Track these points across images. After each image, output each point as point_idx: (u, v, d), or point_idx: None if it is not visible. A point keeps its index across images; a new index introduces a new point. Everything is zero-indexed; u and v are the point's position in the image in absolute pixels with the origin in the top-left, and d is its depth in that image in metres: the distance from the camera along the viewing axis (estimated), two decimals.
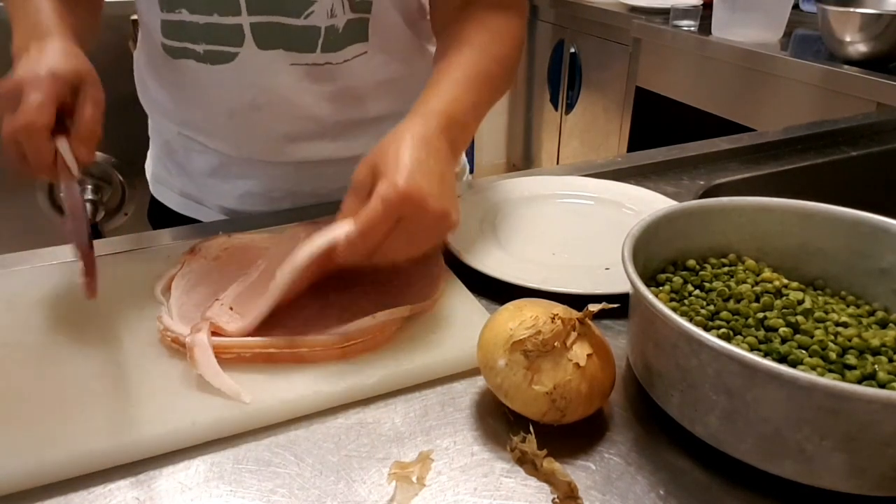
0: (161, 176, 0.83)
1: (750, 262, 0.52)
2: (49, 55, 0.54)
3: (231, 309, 0.50)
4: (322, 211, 0.67)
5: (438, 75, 0.60)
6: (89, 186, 1.66)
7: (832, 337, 0.43)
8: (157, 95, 0.77)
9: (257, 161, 0.75)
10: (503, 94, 0.67)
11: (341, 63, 0.69)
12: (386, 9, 0.69)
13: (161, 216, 0.83)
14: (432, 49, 0.77)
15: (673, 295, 0.49)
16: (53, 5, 0.60)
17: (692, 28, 1.84)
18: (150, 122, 0.84)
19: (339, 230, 0.48)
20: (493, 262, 0.59)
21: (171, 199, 0.82)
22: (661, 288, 0.50)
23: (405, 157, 0.49)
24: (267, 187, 0.77)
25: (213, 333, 0.47)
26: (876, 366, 0.41)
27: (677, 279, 0.50)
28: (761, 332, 0.44)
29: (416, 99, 0.61)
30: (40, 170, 0.52)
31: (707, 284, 0.49)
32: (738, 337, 0.44)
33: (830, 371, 0.41)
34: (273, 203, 0.77)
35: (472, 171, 3.13)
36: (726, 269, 0.51)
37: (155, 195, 0.84)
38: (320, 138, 0.74)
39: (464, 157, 0.90)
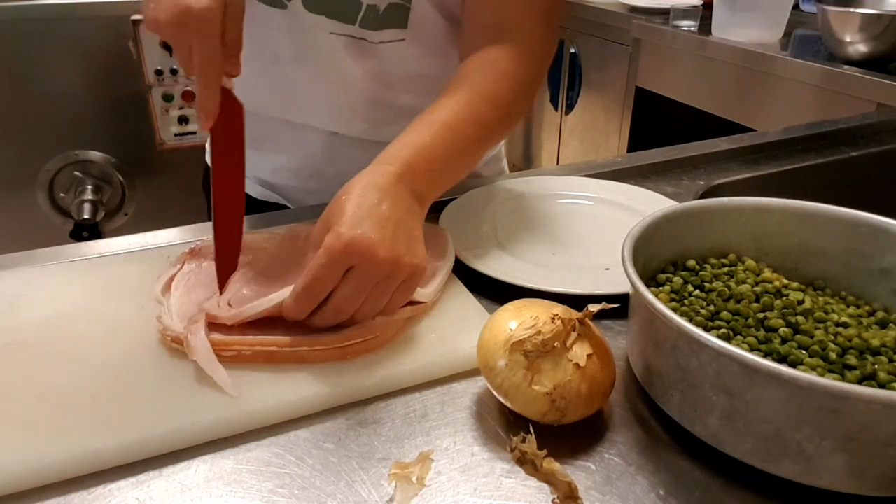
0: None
1: (750, 263, 0.52)
2: None
3: (229, 305, 0.50)
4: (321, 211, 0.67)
5: (417, 120, 0.59)
6: (89, 186, 1.66)
7: (832, 337, 0.43)
8: None
9: (292, 125, 0.78)
10: (498, 136, 0.65)
11: (377, 43, 0.72)
12: (424, 3, 0.71)
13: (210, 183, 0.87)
14: None
15: (673, 295, 0.49)
16: None
17: (692, 28, 1.84)
18: None
19: (287, 289, 0.48)
20: (493, 262, 0.59)
21: None
22: (661, 288, 0.50)
23: (353, 205, 0.48)
24: (298, 163, 0.81)
25: (210, 326, 0.48)
26: (876, 366, 0.41)
27: (677, 279, 0.50)
28: (761, 333, 0.44)
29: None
30: (206, 69, 0.52)
31: (707, 285, 0.49)
32: (738, 337, 0.44)
33: (830, 371, 0.41)
34: (301, 180, 0.82)
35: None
36: (726, 269, 0.51)
37: (208, 163, 0.88)
38: (352, 111, 0.77)
39: (500, 147, 0.91)
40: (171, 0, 0.50)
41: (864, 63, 1.39)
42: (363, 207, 0.48)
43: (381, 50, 0.72)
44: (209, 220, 0.58)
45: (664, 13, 1.97)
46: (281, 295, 0.49)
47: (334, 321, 0.48)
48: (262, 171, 0.84)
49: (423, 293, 0.53)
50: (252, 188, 0.85)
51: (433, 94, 0.76)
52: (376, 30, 0.71)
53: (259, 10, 0.71)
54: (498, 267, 0.58)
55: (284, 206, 0.84)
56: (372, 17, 0.70)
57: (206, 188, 0.92)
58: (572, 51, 2.41)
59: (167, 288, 0.55)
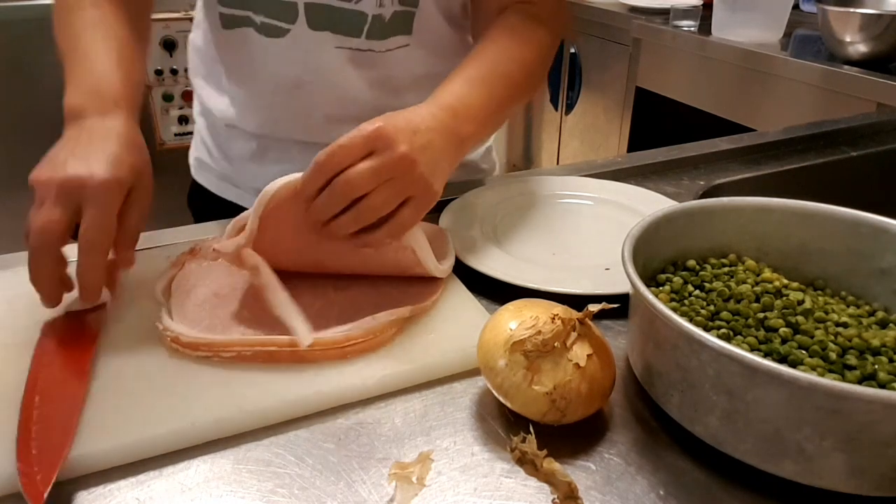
0: (203, 160, 0.87)
1: (750, 263, 0.52)
2: (110, 146, 0.50)
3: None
4: None
5: (455, 72, 0.61)
6: None
7: (832, 337, 0.43)
8: (216, 75, 0.80)
9: (294, 142, 0.78)
10: (527, 96, 0.68)
11: (384, 52, 0.72)
12: (430, 6, 0.71)
13: (201, 198, 0.87)
14: None
15: (673, 295, 0.49)
16: (114, 53, 0.57)
17: (692, 28, 1.84)
18: (196, 111, 0.88)
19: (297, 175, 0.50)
20: (493, 263, 0.59)
21: (210, 182, 0.86)
22: (661, 288, 0.50)
23: (401, 113, 0.52)
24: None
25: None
26: (876, 366, 0.41)
27: (677, 279, 0.50)
28: (761, 333, 0.44)
29: None
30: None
31: (707, 285, 0.49)
32: (739, 337, 0.44)
33: (830, 371, 0.41)
34: None
35: None
36: (726, 269, 0.51)
37: (196, 178, 0.88)
38: (356, 122, 0.76)
39: (494, 157, 0.92)
40: (68, 167, 0.48)
41: (864, 63, 1.39)
42: (405, 117, 0.52)
43: (387, 58, 0.72)
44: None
45: (664, 13, 1.97)
46: (291, 176, 0.50)
47: (348, 226, 0.49)
48: (261, 183, 0.81)
49: (439, 269, 0.54)
50: (248, 201, 0.82)
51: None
52: (382, 39, 0.71)
53: (255, 40, 0.71)
54: (498, 267, 0.58)
55: None
56: (378, 26, 0.70)
57: (191, 205, 0.91)
58: (572, 51, 2.41)
59: (167, 288, 0.55)
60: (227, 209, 0.84)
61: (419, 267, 0.53)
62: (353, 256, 0.53)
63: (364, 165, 0.48)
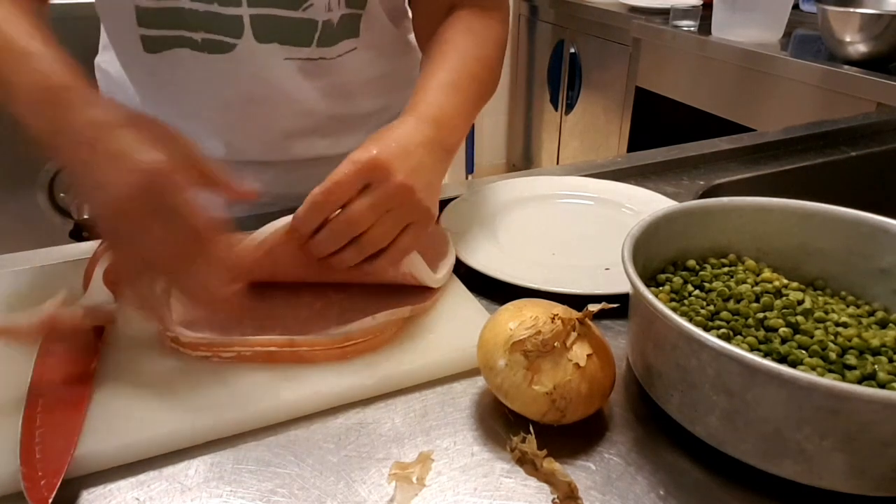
0: None
1: (750, 263, 0.52)
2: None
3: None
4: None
5: (426, 79, 0.60)
6: None
7: (832, 337, 0.43)
8: (136, 101, 0.74)
9: (248, 163, 0.74)
10: (490, 94, 0.67)
11: (334, 58, 0.70)
12: (376, 6, 0.70)
13: None
14: (415, 46, 0.79)
15: (673, 295, 0.49)
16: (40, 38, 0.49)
17: (692, 28, 1.84)
18: None
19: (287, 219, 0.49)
20: (494, 263, 0.59)
21: None
22: (661, 288, 0.50)
23: (388, 135, 0.51)
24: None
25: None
26: (876, 366, 0.41)
27: (677, 279, 0.50)
28: (761, 333, 0.44)
29: (402, 95, 0.64)
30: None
31: (707, 284, 0.49)
32: (738, 337, 0.44)
33: (830, 371, 0.41)
34: (262, 209, 0.75)
35: (472, 171, 3.13)
36: (726, 269, 0.51)
37: None
38: (312, 134, 0.74)
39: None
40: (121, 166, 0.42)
41: (864, 63, 1.39)
42: (395, 139, 0.51)
43: (338, 64, 0.70)
44: None
45: (664, 13, 1.97)
46: (286, 220, 0.48)
47: (351, 260, 0.49)
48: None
49: (435, 279, 0.54)
50: None
51: (387, 92, 0.77)
52: (332, 45, 0.69)
53: (193, 60, 0.67)
54: (498, 267, 0.58)
55: None
56: (328, 32, 0.68)
57: None
58: (572, 51, 2.41)
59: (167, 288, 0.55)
60: None
61: (415, 281, 0.53)
62: (351, 276, 0.53)
63: (363, 202, 0.47)
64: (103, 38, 0.77)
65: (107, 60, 0.77)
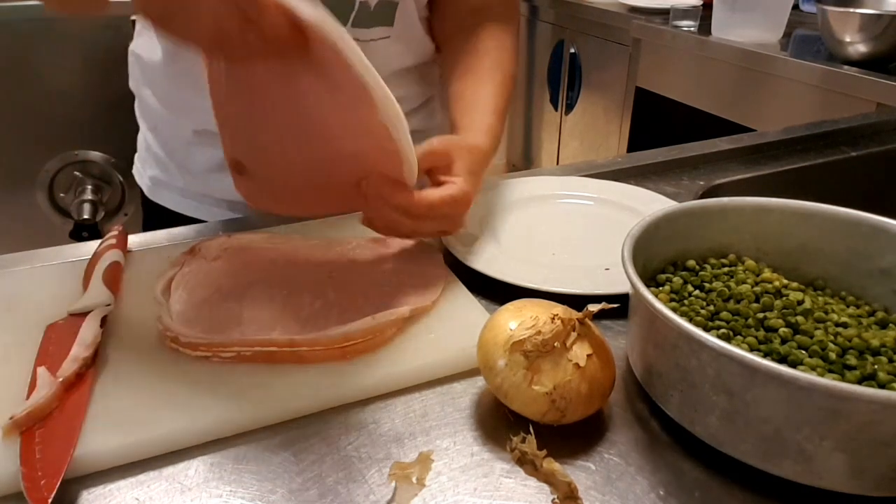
0: (159, 178, 0.82)
1: (750, 263, 0.52)
2: None
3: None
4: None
5: (483, 101, 0.67)
6: (89, 186, 1.66)
7: (832, 337, 0.43)
8: (173, 93, 0.77)
9: None
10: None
11: (367, 42, 0.72)
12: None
13: (159, 221, 0.83)
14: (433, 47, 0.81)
15: (673, 295, 0.49)
16: None
17: (692, 28, 1.84)
18: (144, 128, 0.83)
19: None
20: (494, 263, 0.59)
21: (171, 201, 0.82)
22: (661, 288, 0.50)
23: (478, 169, 0.60)
24: None
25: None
26: (876, 366, 0.41)
27: (677, 279, 0.50)
28: (761, 333, 0.44)
29: (419, 90, 0.73)
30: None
31: (707, 285, 0.49)
32: (738, 337, 0.44)
33: (830, 371, 0.41)
34: None
35: None
36: (726, 269, 0.51)
37: (153, 199, 0.84)
38: None
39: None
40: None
41: (864, 63, 1.39)
42: (478, 175, 0.60)
43: (371, 49, 0.72)
44: None
45: (664, 13, 1.97)
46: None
47: (380, 230, 0.57)
48: (231, 193, 0.75)
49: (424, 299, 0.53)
50: (216, 215, 0.79)
51: (407, 85, 0.79)
52: (367, 28, 0.71)
53: None
54: (498, 267, 0.58)
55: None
56: (364, 14, 0.70)
57: (145, 207, 0.85)
58: (572, 51, 2.41)
59: (167, 288, 0.55)
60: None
61: (391, 145, 0.50)
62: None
63: (430, 226, 0.57)
64: (138, 25, 0.79)
65: (140, 46, 0.79)
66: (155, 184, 0.83)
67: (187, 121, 0.76)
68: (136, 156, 0.86)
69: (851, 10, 1.40)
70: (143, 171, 0.85)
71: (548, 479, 0.38)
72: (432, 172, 0.58)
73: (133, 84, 0.82)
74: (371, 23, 0.71)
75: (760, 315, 0.46)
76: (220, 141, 0.74)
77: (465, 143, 0.61)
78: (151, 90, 0.79)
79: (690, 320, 0.44)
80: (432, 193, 0.54)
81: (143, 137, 0.84)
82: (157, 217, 0.84)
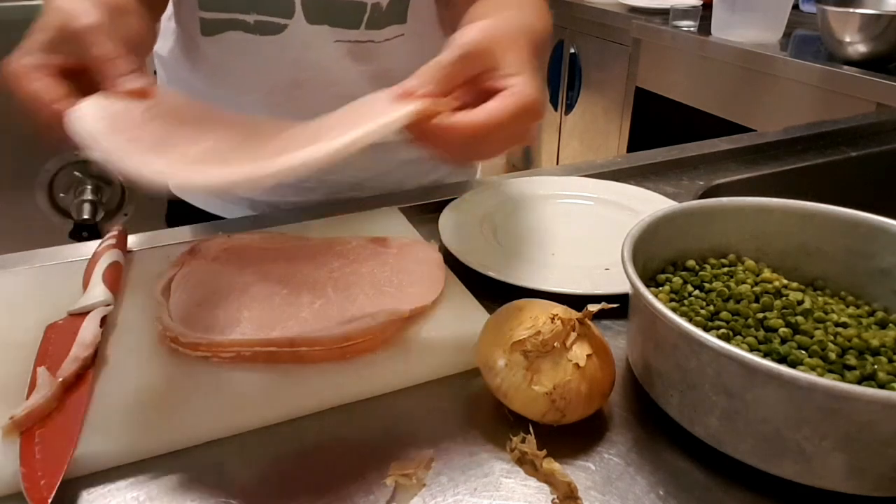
0: None
1: (750, 263, 0.52)
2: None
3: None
4: (332, 209, 0.69)
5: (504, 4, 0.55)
6: (89, 187, 1.66)
7: (832, 337, 0.43)
8: (197, 92, 0.77)
9: None
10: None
11: (381, 42, 0.72)
12: None
13: (183, 217, 0.83)
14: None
15: (673, 295, 0.49)
16: None
17: (692, 28, 1.84)
18: None
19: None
20: (493, 263, 0.59)
21: (195, 198, 0.83)
22: (660, 288, 0.50)
23: (535, 55, 0.47)
24: (299, 178, 0.77)
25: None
26: (876, 366, 0.41)
27: (677, 279, 0.50)
28: (761, 333, 0.44)
29: None
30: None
31: (707, 285, 0.49)
32: (738, 337, 0.44)
33: (830, 371, 0.41)
34: (305, 193, 0.78)
35: None
36: (726, 269, 0.51)
37: (178, 195, 0.84)
38: None
39: None
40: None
41: (864, 63, 1.39)
42: (533, 63, 0.46)
43: (385, 48, 0.72)
44: None
45: (664, 13, 1.97)
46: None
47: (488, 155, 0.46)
48: (253, 193, 0.79)
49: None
50: (237, 213, 0.80)
51: None
52: (381, 28, 0.71)
53: (244, 42, 0.69)
54: (498, 267, 0.58)
55: None
56: (377, 15, 0.70)
57: (169, 203, 0.87)
58: (572, 51, 2.41)
59: (167, 288, 0.55)
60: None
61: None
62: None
63: (507, 133, 0.44)
64: (163, 25, 0.79)
65: (162, 47, 0.79)
66: None
67: None
68: None
69: (851, 10, 1.40)
70: None
71: (548, 479, 0.38)
72: (477, 80, 0.46)
73: (157, 84, 0.82)
74: (384, 22, 0.71)
75: (760, 315, 0.46)
76: None
77: (505, 26, 0.47)
78: (176, 86, 0.81)
79: (690, 320, 0.44)
80: (490, 114, 0.43)
81: None
82: (180, 213, 0.85)
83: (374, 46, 0.72)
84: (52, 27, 0.46)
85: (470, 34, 0.46)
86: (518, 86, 0.44)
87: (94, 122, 0.41)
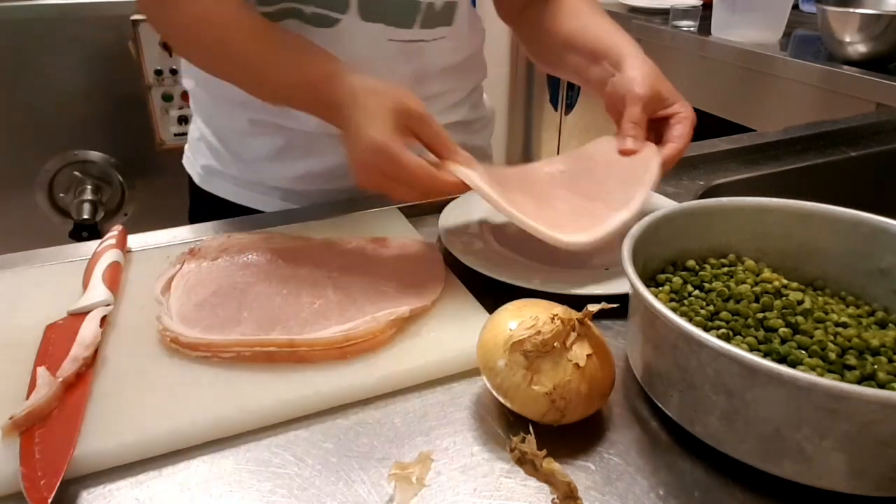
0: (213, 167, 0.83)
1: (750, 263, 0.52)
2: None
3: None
4: (332, 209, 0.69)
5: (616, 31, 0.78)
6: (89, 186, 1.66)
7: (832, 337, 0.43)
8: (230, 86, 0.76)
9: (324, 135, 0.75)
10: None
11: (430, 42, 0.73)
12: None
13: (210, 209, 0.84)
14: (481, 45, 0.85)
15: (673, 295, 0.49)
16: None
17: (692, 28, 1.84)
18: (199, 120, 0.85)
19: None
20: (494, 263, 0.59)
21: (223, 189, 0.83)
22: (660, 288, 0.50)
23: (665, 81, 0.68)
24: (330, 165, 0.77)
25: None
26: (875, 366, 0.41)
27: (677, 279, 0.50)
28: (761, 333, 0.44)
29: (463, 85, 0.80)
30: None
31: (707, 285, 0.49)
32: (738, 337, 0.44)
33: (830, 371, 0.41)
34: (335, 181, 0.78)
35: None
36: (726, 269, 0.51)
37: (205, 188, 0.85)
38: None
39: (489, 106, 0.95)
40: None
41: (864, 63, 1.39)
42: (670, 86, 0.69)
43: (429, 48, 0.74)
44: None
45: (664, 13, 1.96)
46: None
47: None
48: (284, 182, 0.80)
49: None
50: (267, 203, 0.81)
51: (457, 80, 0.81)
52: (432, 28, 0.73)
53: (305, 32, 0.69)
54: (498, 267, 0.58)
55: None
56: (430, 15, 0.71)
57: (196, 219, 0.87)
58: None
59: (167, 288, 0.55)
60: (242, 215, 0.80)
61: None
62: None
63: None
64: None
65: None
66: (207, 172, 0.85)
67: (243, 111, 0.77)
68: (187, 146, 0.88)
69: (851, 10, 1.40)
70: (195, 161, 0.86)
71: (548, 479, 0.38)
72: (654, 113, 0.65)
73: (186, 79, 0.83)
74: (434, 23, 0.72)
75: (760, 315, 0.46)
76: (274, 130, 0.76)
77: (648, 64, 0.68)
78: (206, 84, 0.80)
79: (690, 320, 0.44)
80: (685, 139, 0.63)
81: (196, 128, 0.86)
82: (206, 205, 0.85)
83: (423, 46, 0.73)
84: (388, 109, 0.55)
85: (639, 87, 0.66)
86: (684, 110, 0.65)
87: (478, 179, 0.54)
